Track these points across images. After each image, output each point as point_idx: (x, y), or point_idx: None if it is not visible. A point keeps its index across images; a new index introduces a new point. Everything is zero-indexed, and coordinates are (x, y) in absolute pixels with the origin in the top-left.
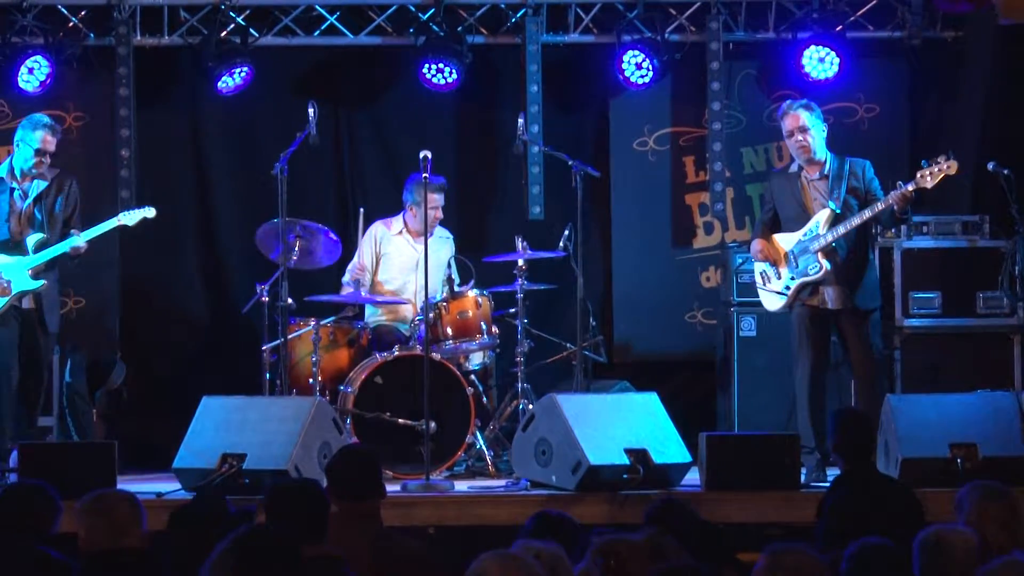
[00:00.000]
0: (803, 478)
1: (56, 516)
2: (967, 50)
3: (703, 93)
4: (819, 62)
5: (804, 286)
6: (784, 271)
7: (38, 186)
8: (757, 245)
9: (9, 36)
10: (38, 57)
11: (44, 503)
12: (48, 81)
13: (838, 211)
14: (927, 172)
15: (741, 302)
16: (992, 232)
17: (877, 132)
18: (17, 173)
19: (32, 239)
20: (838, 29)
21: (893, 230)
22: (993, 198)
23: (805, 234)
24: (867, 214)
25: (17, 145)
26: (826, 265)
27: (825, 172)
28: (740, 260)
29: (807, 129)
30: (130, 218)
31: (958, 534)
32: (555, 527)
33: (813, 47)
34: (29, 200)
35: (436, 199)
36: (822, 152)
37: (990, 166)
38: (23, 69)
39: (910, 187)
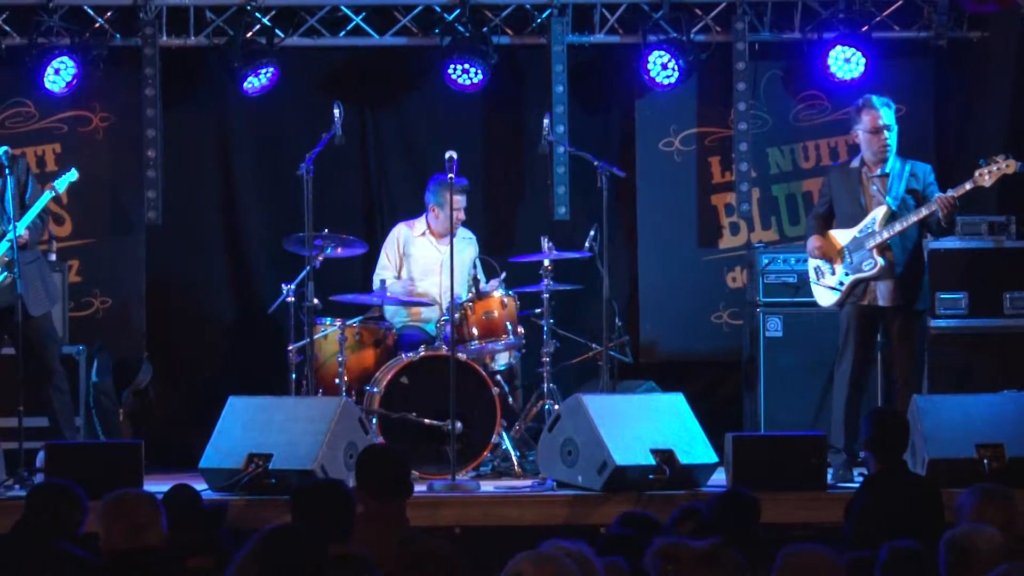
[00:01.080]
0: (830, 478)
1: (83, 516)
2: (993, 50)
3: (729, 93)
4: (845, 62)
5: (858, 282)
6: (839, 267)
7: None
8: (815, 242)
9: (36, 37)
10: (64, 58)
11: (71, 503)
12: (74, 82)
13: (896, 208)
14: (985, 171)
15: (767, 302)
16: (1019, 233)
17: (903, 132)
18: None
19: None
20: (864, 29)
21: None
22: (1020, 198)
23: (861, 230)
24: (923, 212)
25: None
26: (880, 262)
27: (887, 170)
28: (766, 260)
29: (891, 128)
30: (59, 185)
31: (984, 534)
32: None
33: (839, 47)
34: None
35: (458, 200)
36: (895, 151)
37: (1018, 166)
38: (49, 70)
39: (969, 185)
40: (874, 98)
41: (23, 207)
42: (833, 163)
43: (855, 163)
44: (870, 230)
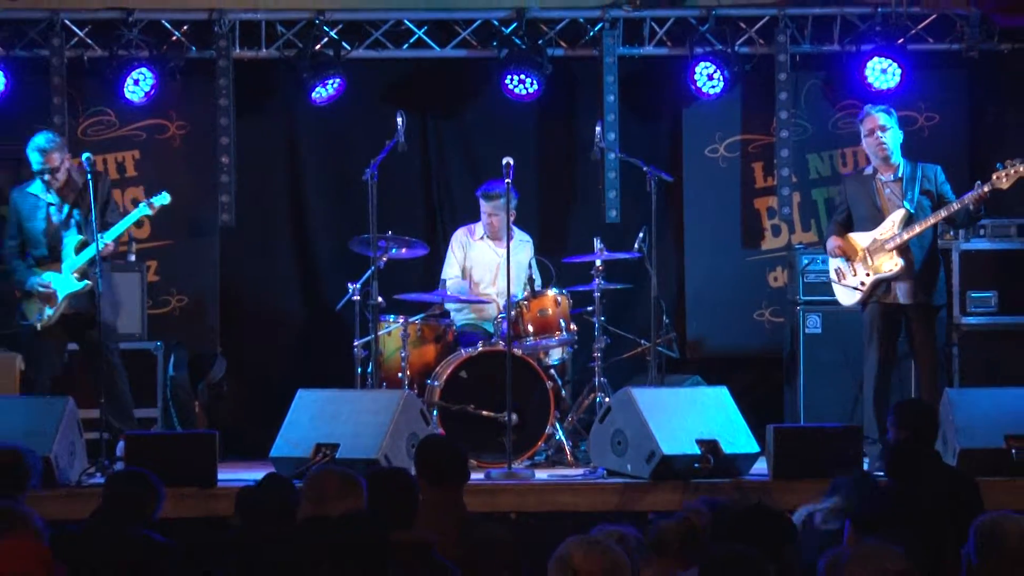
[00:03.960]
0: (865, 467)
1: (159, 502)
2: (1022, 61)
3: (771, 102)
4: (882, 73)
5: (879, 282)
6: (859, 268)
7: (67, 198)
8: (835, 242)
9: (116, 49)
10: (143, 69)
11: (147, 490)
12: (152, 92)
13: (912, 211)
14: (1003, 174)
15: (807, 301)
16: None
17: (937, 139)
18: (49, 189)
19: (71, 242)
20: (900, 42)
21: (952, 232)
22: None
23: (880, 233)
24: (942, 213)
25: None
26: (900, 262)
27: (899, 175)
28: (806, 261)
29: (886, 129)
30: (149, 207)
31: (1013, 521)
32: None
33: (876, 58)
34: (63, 214)
35: (490, 207)
36: (897, 155)
37: None
38: (129, 80)
39: (986, 188)
40: (869, 107)
41: (86, 217)
42: (847, 173)
43: (868, 170)
44: (889, 232)
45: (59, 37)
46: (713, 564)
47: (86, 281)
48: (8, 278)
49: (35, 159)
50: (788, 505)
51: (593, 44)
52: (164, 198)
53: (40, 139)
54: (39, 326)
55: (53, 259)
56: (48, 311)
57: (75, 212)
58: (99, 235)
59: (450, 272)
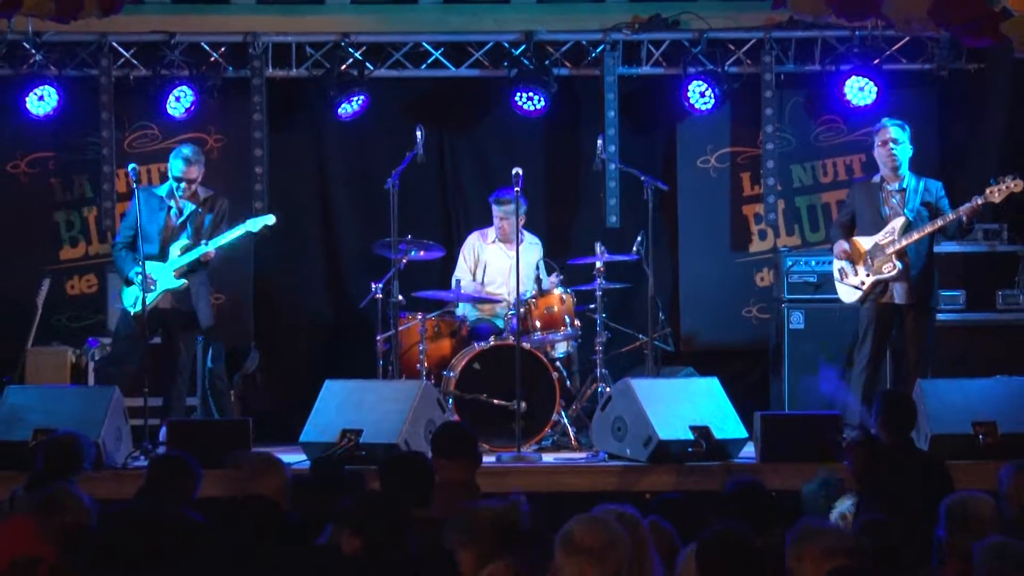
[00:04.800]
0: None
1: (197, 483)
2: (988, 80)
3: (758, 117)
4: (859, 90)
5: (878, 283)
6: (861, 269)
7: (191, 207)
8: (841, 245)
9: (159, 69)
10: (184, 87)
11: (187, 472)
12: (192, 108)
13: (912, 220)
14: (995, 189)
15: (791, 299)
16: (1010, 238)
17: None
18: (176, 194)
19: (177, 245)
20: (876, 62)
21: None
22: (1011, 209)
23: (881, 238)
24: (938, 223)
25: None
26: (898, 266)
27: (903, 186)
28: (790, 263)
29: (898, 142)
30: (254, 225)
31: (980, 500)
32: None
33: (854, 77)
34: (182, 218)
35: (500, 211)
36: (905, 167)
37: None
38: (171, 98)
39: (980, 200)
40: (886, 119)
41: (199, 229)
42: (857, 179)
43: (875, 179)
44: (890, 237)
45: (107, 58)
46: (709, 541)
47: (184, 280)
48: (114, 265)
49: (177, 165)
50: (774, 486)
51: (595, 64)
52: (268, 219)
53: (187, 149)
54: (132, 311)
55: (161, 258)
56: (148, 298)
57: (190, 220)
58: (205, 241)
59: (461, 275)
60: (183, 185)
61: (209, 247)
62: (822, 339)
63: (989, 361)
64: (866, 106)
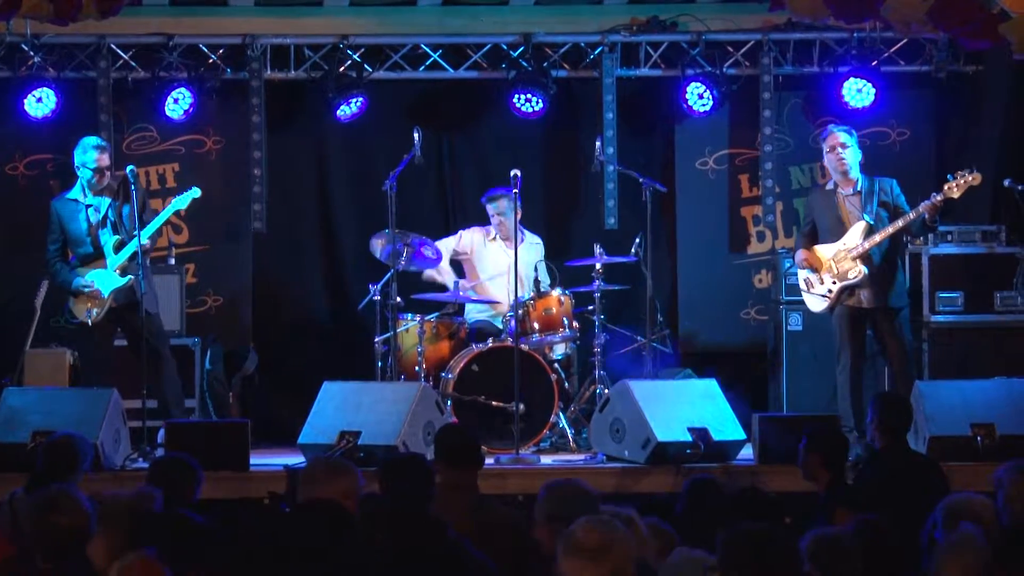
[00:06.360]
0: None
1: (197, 485)
2: (986, 82)
3: (756, 119)
4: (857, 92)
5: (844, 289)
6: (826, 277)
7: (106, 202)
8: (802, 255)
9: (157, 71)
10: (182, 89)
11: (187, 473)
12: (191, 110)
13: (872, 223)
14: (953, 184)
15: (789, 300)
16: (1008, 240)
17: (908, 153)
18: (88, 192)
19: (110, 242)
20: (874, 64)
21: (922, 238)
22: (1009, 210)
23: (844, 243)
24: (899, 223)
25: (79, 168)
26: (863, 269)
27: (858, 189)
28: (788, 264)
29: (846, 146)
30: (182, 201)
31: (977, 502)
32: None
33: (852, 79)
34: (101, 215)
35: (492, 209)
36: (856, 170)
37: (1006, 183)
38: (169, 99)
39: (939, 197)
40: (832, 126)
41: (121, 217)
42: (814, 186)
43: (830, 185)
44: (852, 243)
45: (105, 60)
46: (736, 539)
47: (128, 276)
48: (54, 280)
49: (91, 156)
50: (772, 488)
51: (593, 66)
52: (194, 192)
53: (94, 139)
54: (89, 322)
55: (96, 256)
56: (95, 309)
57: (110, 212)
58: (138, 232)
59: (443, 246)
60: (95, 177)
61: (143, 238)
62: (820, 341)
63: (987, 363)
64: (864, 108)
